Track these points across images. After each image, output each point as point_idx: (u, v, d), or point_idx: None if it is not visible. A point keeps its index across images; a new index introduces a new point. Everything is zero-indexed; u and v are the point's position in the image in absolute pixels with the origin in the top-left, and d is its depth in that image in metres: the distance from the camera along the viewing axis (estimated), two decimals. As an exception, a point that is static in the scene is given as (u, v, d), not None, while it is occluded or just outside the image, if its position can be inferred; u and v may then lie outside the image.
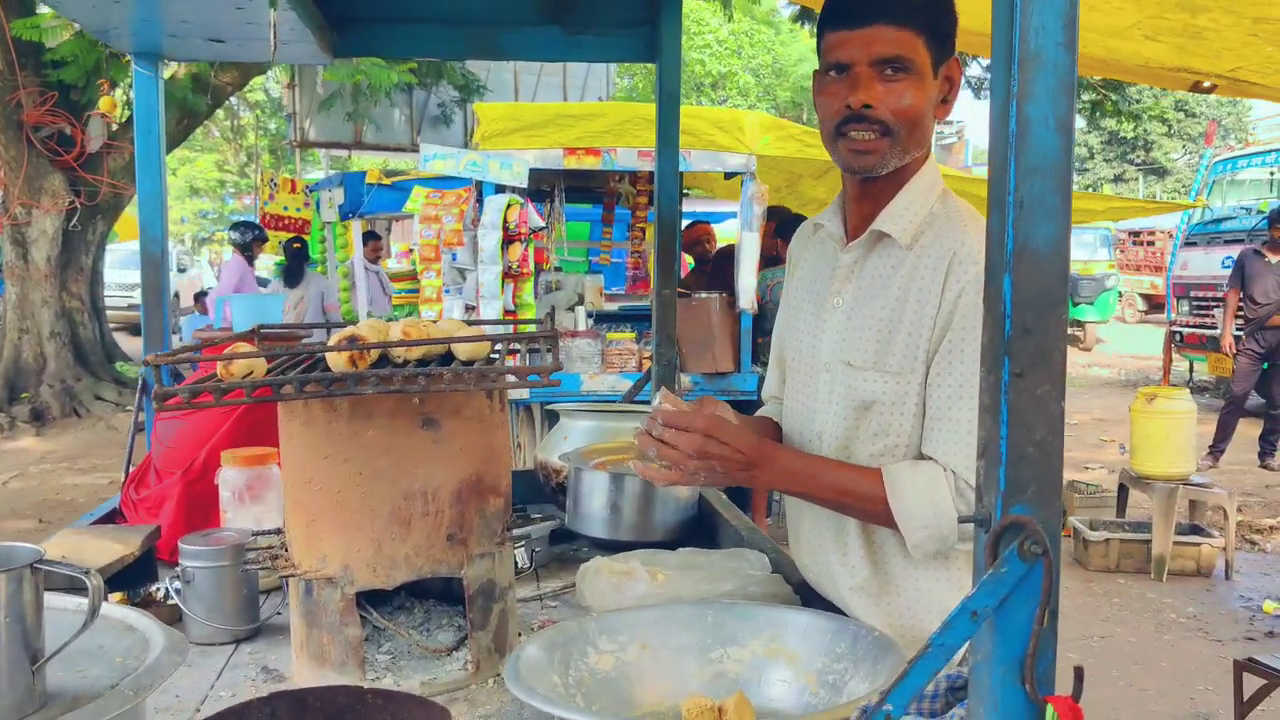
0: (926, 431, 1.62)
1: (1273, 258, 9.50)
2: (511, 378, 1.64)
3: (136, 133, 2.92)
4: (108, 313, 13.02)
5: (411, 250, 16.44)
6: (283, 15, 2.30)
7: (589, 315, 7.18)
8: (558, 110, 7.35)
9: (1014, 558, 1.04)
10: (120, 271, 19.06)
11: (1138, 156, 37.36)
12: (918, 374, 1.61)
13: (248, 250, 10.30)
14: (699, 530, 2.54)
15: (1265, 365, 9.54)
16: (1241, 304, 9.70)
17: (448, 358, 1.76)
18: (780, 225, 6.96)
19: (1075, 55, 1.02)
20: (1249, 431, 9.87)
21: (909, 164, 1.67)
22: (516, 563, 2.18)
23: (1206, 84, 3.57)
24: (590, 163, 6.66)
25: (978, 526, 1.09)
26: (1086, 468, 9.28)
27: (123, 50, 2.82)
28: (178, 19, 2.47)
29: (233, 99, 17.64)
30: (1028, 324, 1.03)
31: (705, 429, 1.57)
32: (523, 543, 2.26)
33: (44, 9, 10.00)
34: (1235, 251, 10.87)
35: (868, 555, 1.71)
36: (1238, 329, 9.92)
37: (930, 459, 1.60)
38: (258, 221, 11.53)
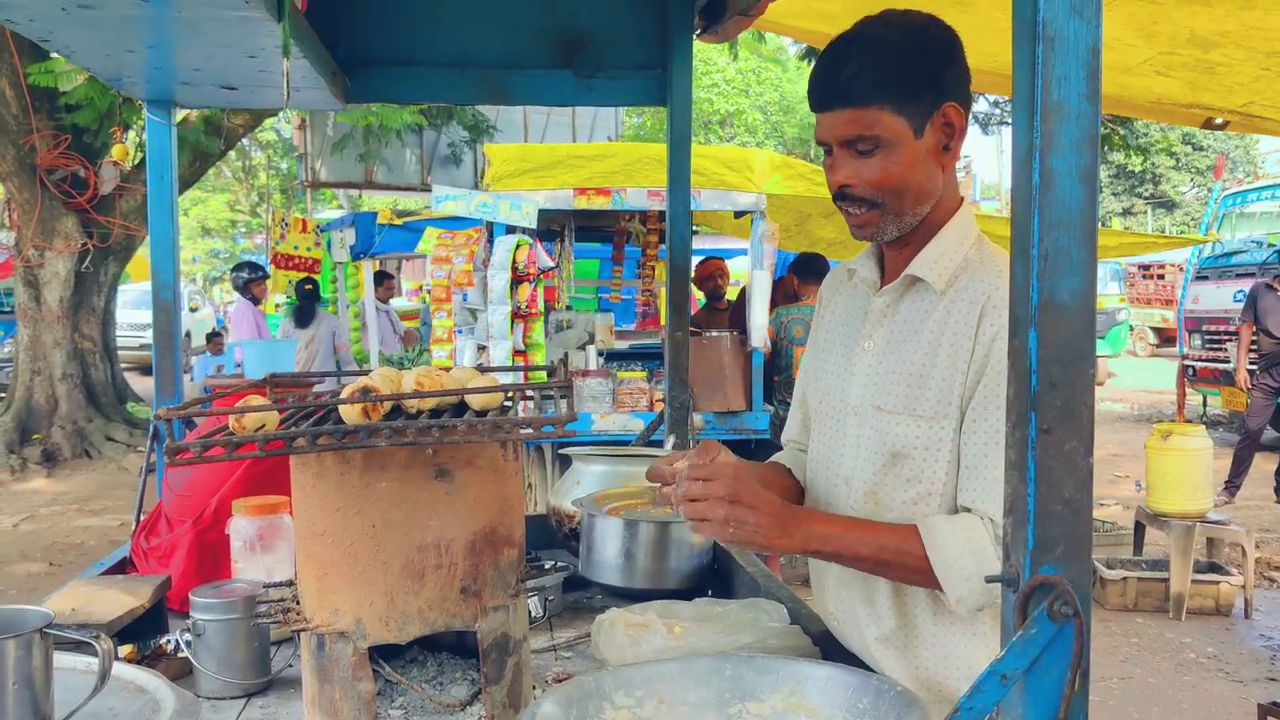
0: (961, 481, 1.59)
1: None
2: (526, 429, 1.62)
3: (149, 178, 2.93)
4: (119, 353, 13.05)
5: (422, 288, 16.52)
6: (295, 63, 2.30)
7: (600, 354, 7.17)
8: (568, 151, 7.39)
9: (1044, 618, 1.02)
10: (131, 311, 19.18)
11: (1146, 190, 37.40)
12: (951, 419, 1.59)
13: (248, 291, 10.33)
14: (714, 577, 2.51)
15: None
16: (1255, 338, 9.65)
17: (461, 407, 1.74)
18: (799, 264, 6.96)
19: (1099, 106, 1.01)
20: (1265, 466, 9.79)
21: (938, 211, 1.66)
22: (530, 612, 2.15)
23: (1219, 120, 3.57)
24: (600, 203, 6.68)
25: (1005, 586, 1.07)
26: (1101, 504, 9.21)
27: (136, 97, 2.83)
28: (190, 67, 2.47)
29: (244, 140, 17.77)
30: (1054, 379, 1.02)
31: (735, 475, 1.55)
32: (536, 592, 2.24)
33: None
34: (1247, 285, 10.85)
35: (895, 605, 1.68)
36: (1251, 363, 9.86)
37: (966, 509, 1.58)
38: (268, 261, 11.59)
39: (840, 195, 1.65)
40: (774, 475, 1.93)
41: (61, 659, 1.24)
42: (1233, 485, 9.24)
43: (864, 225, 1.66)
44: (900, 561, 1.57)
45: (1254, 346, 9.74)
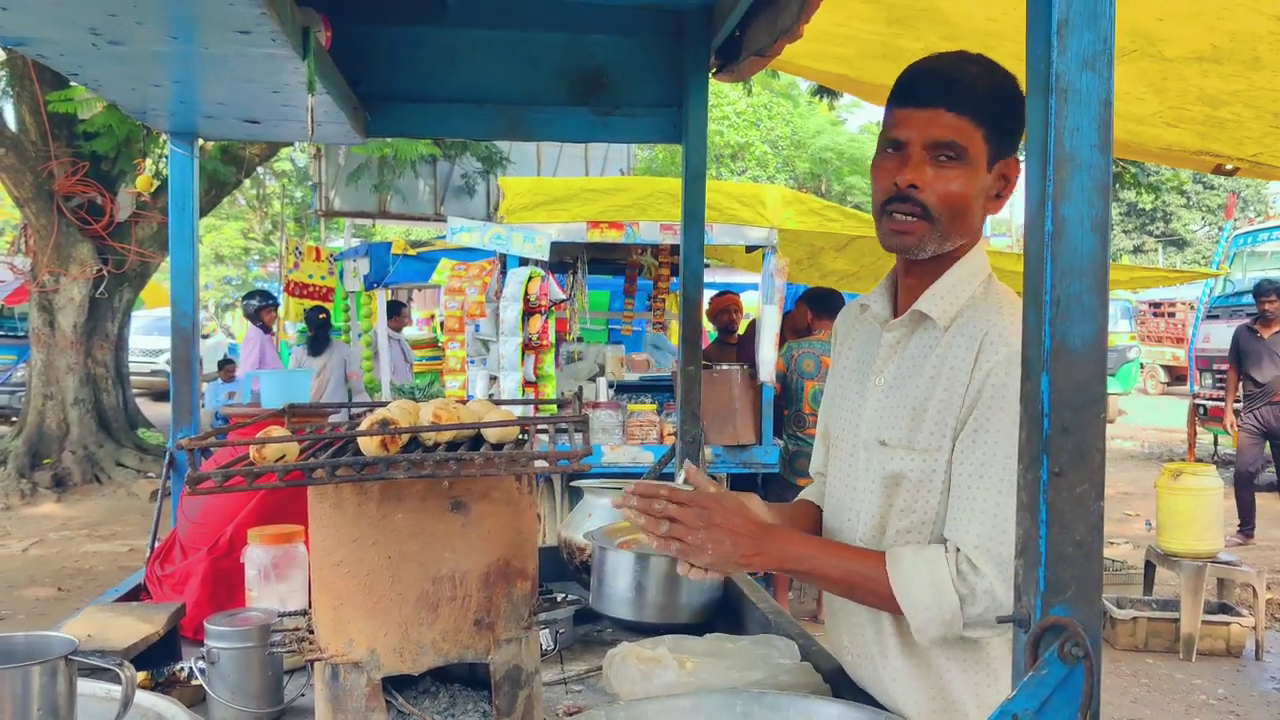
0: (948, 512, 1.61)
1: (1264, 333, 9.43)
2: (541, 462, 1.64)
3: (170, 209, 2.97)
4: (131, 378, 13.11)
5: (433, 317, 16.58)
6: (318, 98, 2.34)
7: (610, 386, 7.19)
8: (581, 185, 7.44)
9: (1055, 660, 1.03)
10: (143, 338, 19.26)
11: (1157, 228, 37.43)
12: (945, 451, 1.60)
13: (259, 319, 10.38)
14: (725, 612, 2.52)
15: (1267, 441, 9.44)
16: (1241, 380, 9.64)
17: (477, 439, 1.76)
18: (813, 298, 6.97)
19: (1110, 157, 1.03)
20: (1275, 507, 9.74)
21: (958, 247, 1.68)
22: (541, 645, 2.16)
23: (1229, 166, 3.59)
24: (613, 236, 6.73)
25: (1017, 626, 1.08)
26: (1111, 543, 9.16)
27: (159, 129, 2.88)
28: (214, 101, 2.52)
29: (260, 168, 17.91)
30: (1066, 422, 1.03)
31: (706, 503, 1.58)
32: (547, 625, 2.25)
33: (79, 82, 10.21)
34: (1258, 325, 10.83)
35: (901, 639, 1.68)
36: (1239, 404, 9.84)
37: (944, 540, 1.60)
38: (281, 289, 11.64)
39: (899, 196, 1.62)
40: (800, 512, 1.95)
41: (83, 685, 1.26)
42: (1247, 528, 9.18)
43: (908, 233, 1.63)
44: (866, 586, 1.60)
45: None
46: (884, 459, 1.67)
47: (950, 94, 1.59)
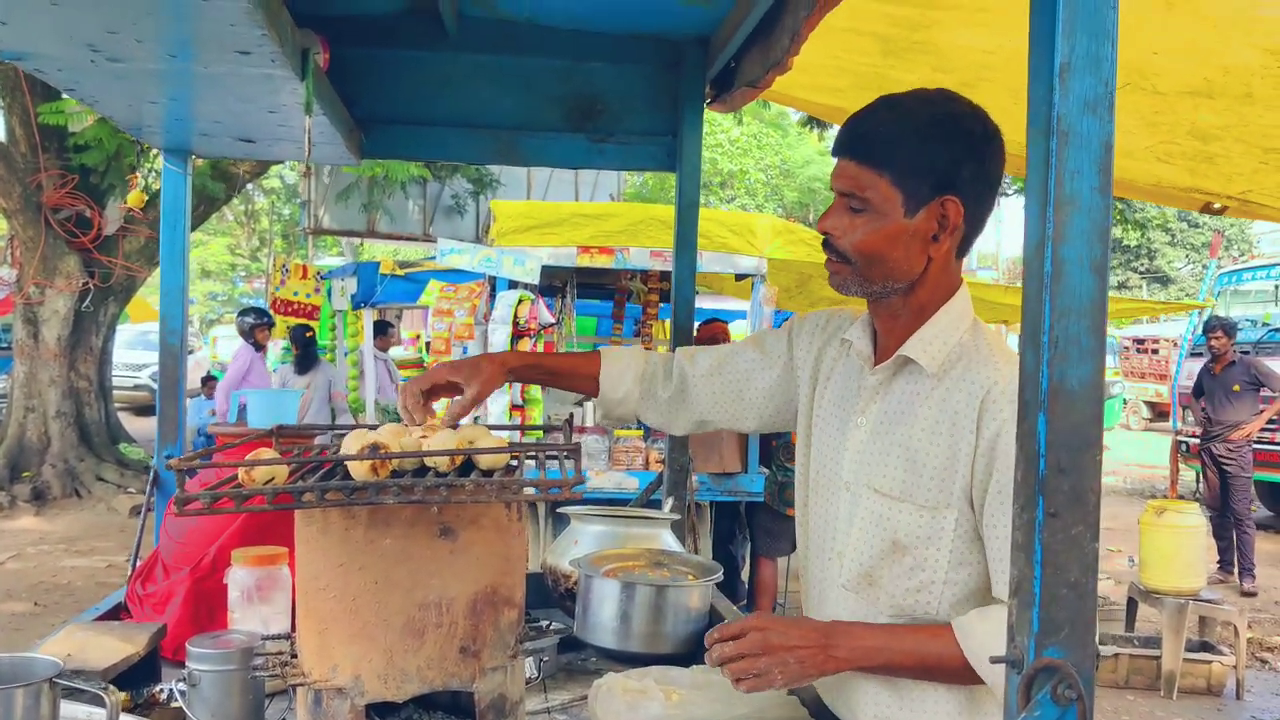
0: (993, 575, 1.59)
1: (1216, 369, 9.50)
2: (532, 490, 1.63)
3: (162, 226, 2.96)
4: (113, 392, 13.04)
5: (419, 337, 16.56)
6: (315, 119, 2.34)
7: (597, 410, 7.17)
8: (572, 210, 7.46)
9: (1047, 701, 1.03)
10: (126, 352, 19.16)
11: (1141, 264, 37.67)
12: (952, 510, 1.59)
13: (252, 337, 10.33)
14: (710, 642, 2.50)
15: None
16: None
17: (466, 465, 1.76)
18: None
19: (1110, 199, 1.04)
20: (1264, 547, 9.76)
21: (930, 292, 1.67)
22: (525, 673, 2.14)
23: (1217, 205, 3.62)
24: (603, 261, 6.74)
25: (1009, 667, 1.08)
26: (1093, 578, 9.16)
27: (154, 146, 2.87)
28: (210, 119, 2.51)
29: (249, 184, 17.90)
30: (1062, 463, 1.04)
31: (758, 624, 1.57)
32: (532, 653, 2.23)
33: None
34: (1238, 362, 10.89)
35: (885, 679, 1.68)
36: (1193, 436, 9.92)
37: (1000, 601, 1.58)
38: (268, 306, 11.62)
39: (825, 242, 1.70)
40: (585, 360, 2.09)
41: (65, 708, 1.24)
42: (1246, 568, 9.16)
43: (833, 274, 1.71)
44: (944, 666, 1.57)
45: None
46: (880, 510, 1.66)
47: (852, 144, 1.64)
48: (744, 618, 1.61)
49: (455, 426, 1.84)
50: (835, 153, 1.67)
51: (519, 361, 2.08)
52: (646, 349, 9.56)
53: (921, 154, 1.59)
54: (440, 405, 2.00)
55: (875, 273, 1.66)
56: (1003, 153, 1.66)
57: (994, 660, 1.11)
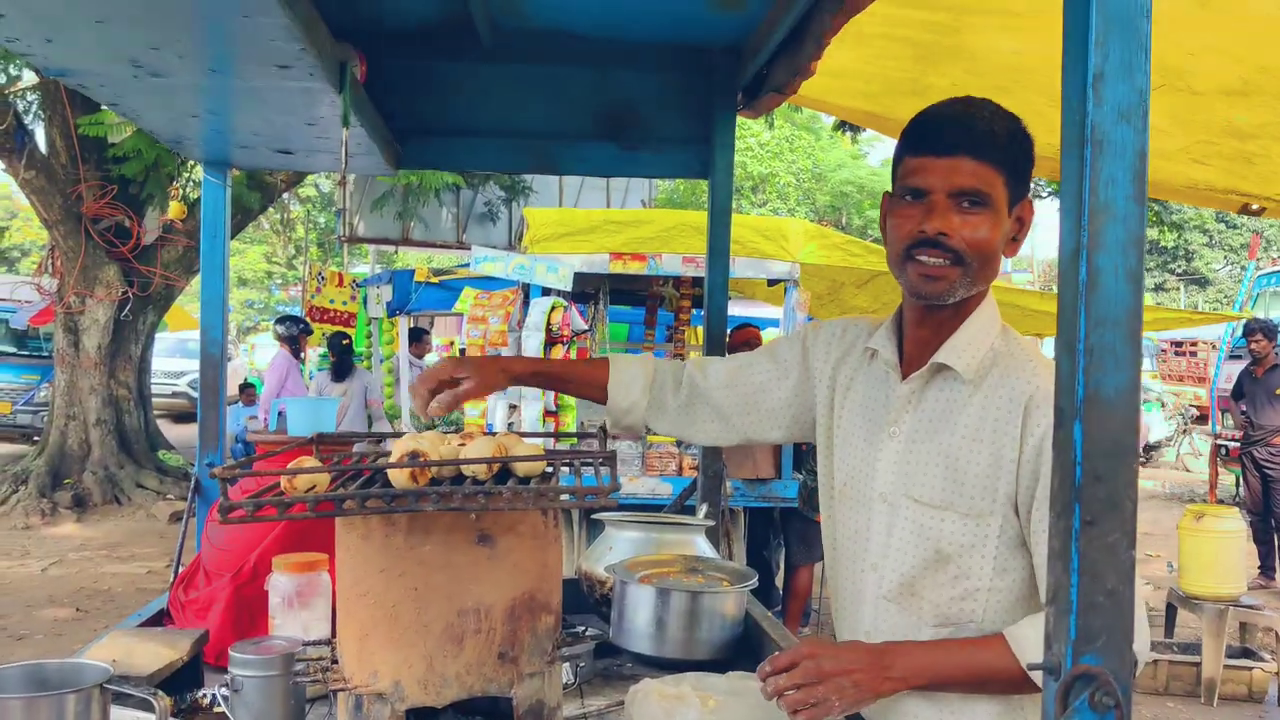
0: (1041, 581, 1.58)
1: (1258, 373, 9.38)
2: (569, 497, 1.65)
3: (203, 237, 3.00)
4: (152, 400, 13.20)
5: (453, 344, 16.65)
6: (353, 131, 2.37)
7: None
8: (605, 216, 7.49)
9: (1085, 708, 1.03)
10: (165, 359, 19.40)
11: (1179, 266, 37.28)
12: (996, 517, 1.59)
13: (294, 344, 10.44)
14: (746, 649, 2.50)
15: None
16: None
17: (503, 472, 1.77)
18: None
19: (1144, 208, 1.04)
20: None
21: (974, 296, 1.68)
22: (562, 679, 2.16)
23: (1255, 206, 3.59)
24: (635, 267, 6.76)
25: (1047, 674, 1.08)
26: (1132, 584, 9.06)
27: (194, 159, 2.92)
28: (249, 131, 2.55)
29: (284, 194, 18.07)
30: (1099, 471, 1.04)
31: (810, 652, 1.56)
32: (568, 659, 2.24)
33: (110, 106, 10.35)
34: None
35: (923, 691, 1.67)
36: (1234, 440, 9.81)
37: None
38: (304, 314, 11.73)
39: (928, 242, 1.60)
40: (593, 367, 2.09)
41: (114, 713, 1.27)
42: (1268, 568, 9.09)
43: (939, 278, 1.61)
44: (999, 678, 1.56)
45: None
46: (922, 519, 1.65)
47: (971, 141, 1.59)
48: (793, 647, 1.60)
49: (457, 424, 1.86)
50: (941, 150, 1.59)
51: (524, 368, 2.12)
52: (680, 356, 9.58)
53: (1021, 155, 1.62)
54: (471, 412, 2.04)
55: (984, 274, 1.63)
56: None
57: (1031, 668, 1.11)
